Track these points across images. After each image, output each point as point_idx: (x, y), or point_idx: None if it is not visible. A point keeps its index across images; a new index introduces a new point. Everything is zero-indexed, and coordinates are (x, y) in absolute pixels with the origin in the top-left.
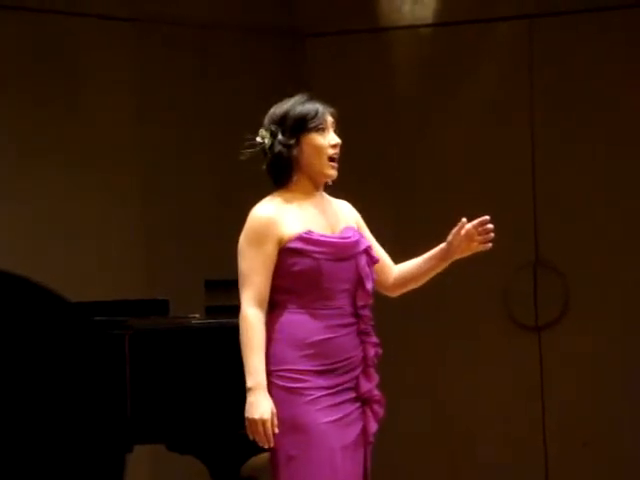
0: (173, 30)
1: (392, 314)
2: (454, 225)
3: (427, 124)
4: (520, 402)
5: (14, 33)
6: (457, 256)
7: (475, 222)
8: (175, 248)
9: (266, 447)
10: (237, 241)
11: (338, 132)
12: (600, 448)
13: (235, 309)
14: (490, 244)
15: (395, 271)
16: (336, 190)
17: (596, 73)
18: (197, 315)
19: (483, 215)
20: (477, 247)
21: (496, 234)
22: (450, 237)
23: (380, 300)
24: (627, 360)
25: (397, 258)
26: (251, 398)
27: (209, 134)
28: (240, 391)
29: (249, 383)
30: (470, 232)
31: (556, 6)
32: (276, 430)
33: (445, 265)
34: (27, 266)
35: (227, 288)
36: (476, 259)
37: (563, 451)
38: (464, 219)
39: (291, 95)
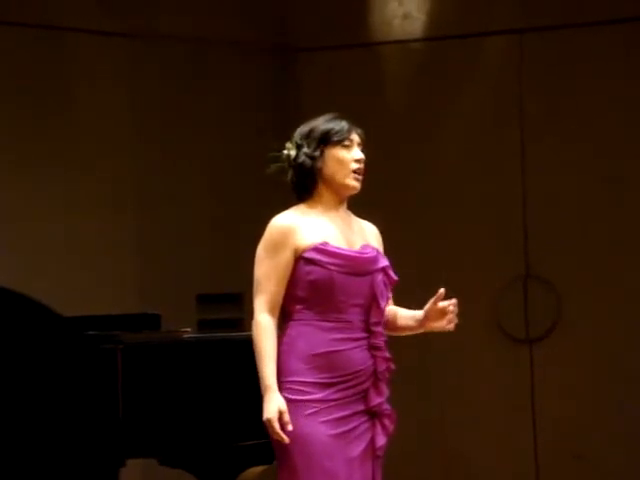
0: (166, 45)
1: None
2: (443, 241)
3: (418, 138)
4: (511, 415)
5: (10, 48)
6: (431, 326)
7: (446, 303)
8: (167, 262)
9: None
10: (230, 256)
11: (365, 152)
12: (591, 461)
13: (226, 323)
14: (452, 325)
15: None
16: None
17: (585, 87)
18: (189, 329)
19: (473, 229)
20: (444, 326)
21: (487, 247)
22: (427, 305)
23: None
24: (618, 372)
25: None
26: (264, 402)
27: (202, 148)
28: (232, 404)
29: (261, 388)
30: (445, 309)
31: (546, 21)
32: (289, 428)
33: (421, 330)
34: (18, 280)
35: (219, 302)
36: (467, 272)
37: (554, 463)
38: (442, 290)
39: (279, 110)
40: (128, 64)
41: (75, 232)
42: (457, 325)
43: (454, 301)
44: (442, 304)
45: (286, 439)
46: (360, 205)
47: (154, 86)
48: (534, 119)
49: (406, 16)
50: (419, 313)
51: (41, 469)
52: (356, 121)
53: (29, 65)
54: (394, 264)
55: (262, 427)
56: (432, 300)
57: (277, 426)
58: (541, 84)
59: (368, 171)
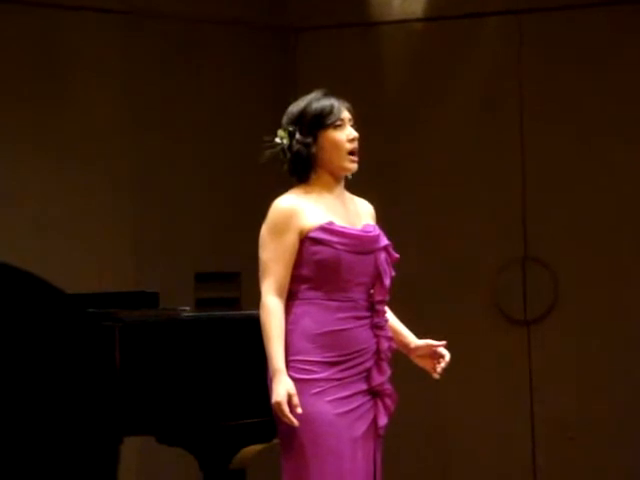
0: (163, 24)
1: None
2: (443, 221)
3: (417, 118)
4: (508, 395)
5: (4, 26)
6: (416, 361)
7: (444, 357)
8: (165, 240)
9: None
10: (229, 234)
11: (356, 126)
12: (587, 442)
13: (224, 301)
14: (436, 375)
15: None
16: None
17: (585, 68)
18: (187, 308)
19: (472, 210)
20: (429, 368)
21: (485, 229)
22: (422, 343)
23: None
24: (614, 354)
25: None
26: (272, 384)
27: (199, 127)
28: (230, 382)
29: (269, 370)
30: (437, 354)
31: (545, 2)
32: (298, 410)
33: (403, 351)
34: (12, 257)
35: (217, 280)
36: (465, 254)
37: (550, 444)
38: (444, 342)
39: (278, 89)
40: (125, 42)
41: (74, 213)
42: (456, 308)
43: (448, 358)
44: (438, 349)
45: (295, 422)
46: (357, 184)
47: (151, 65)
48: (533, 100)
49: None
50: (410, 340)
51: (39, 447)
52: (356, 101)
53: (21, 43)
54: (392, 245)
55: (260, 405)
56: (430, 342)
57: (287, 409)
58: (540, 64)
59: (367, 151)
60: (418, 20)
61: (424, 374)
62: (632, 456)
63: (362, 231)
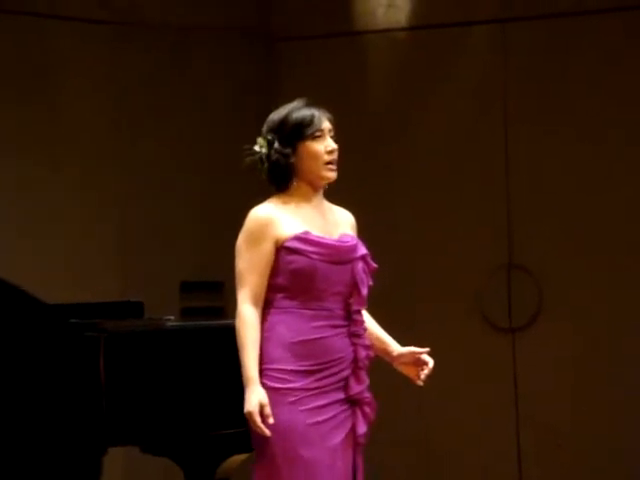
0: (150, 34)
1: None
2: (428, 228)
3: (402, 128)
4: (494, 402)
5: None
6: (400, 368)
7: (427, 364)
8: (151, 249)
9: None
10: (213, 244)
11: (335, 137)
12: (574, 449)
13: (209, 311)
14: (420, 382)
15: None
16: None
17: (569, 76)
18: (172, 317)
19: (457, 217)
20: (412, 376)
21: (470, 236)
22: (405, 350)
23: None
24: (600, 361)
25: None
26: (245, 394)
27: (185, 136)
28: (215, 392)
29: (243, 380)
30: (421, 361)
31: (530, 11)
32: (270, 420)
33: (386, 359)
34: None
35: (202, 290)
36: (450, 261)
37: (537, 452)
38: (428, 349)
39: (262, 98)
40: (111, 51)
41: (59, 219)
42: (440, 315)
43: (432, 365)
44: (422, 356)
45: (267, 432)
46: (342, 191)
47: (137, 74)
48: (518, 108)
49: (390, 5)
50: (393, 348)
51: (22, 457)
52: (340, 110)
53: (11, 53)
54: (377, 253)
55: (244, 415)
56: (413, 349)
57: (258, 419)
58: (525, 73)
59: (352, 160)
60: (403, 29)
61: (408, 382)
62: (620, 463)
63: (338, 241)
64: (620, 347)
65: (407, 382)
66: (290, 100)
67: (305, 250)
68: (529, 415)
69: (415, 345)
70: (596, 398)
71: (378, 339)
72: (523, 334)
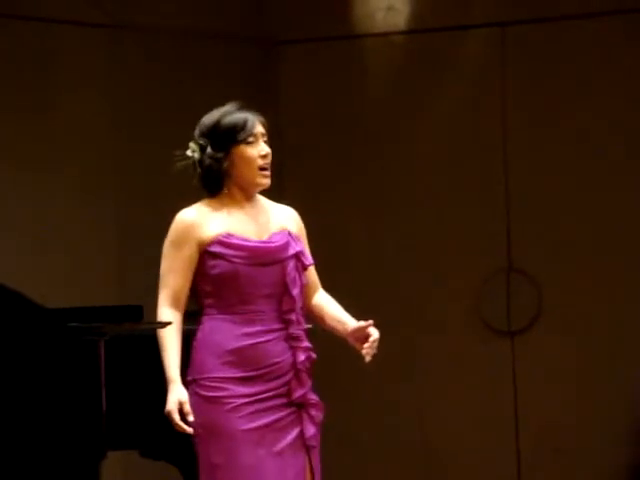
0: (146, 38)
1: (362, 318)
2: (427, 232)
3: (399, 131)
4: (492, 406)
5: None
6: (352, 344)
7: (371, 338)
8: (149, 253)
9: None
10: None
11: (269, 142)
12: (572, 454)
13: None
14: (368, 358)
15: (317, 296)
16: (306, 195)
17: (569, 80)
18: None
19: (456, 221)
20: (362, 352)
21: (469, 240)
22: (355, 326)
23: (351, 304)
24: (599, 365)
25: (366, 260)
26: (167, 394)
27: (182, 138)
28: None
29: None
30: (367, 335)
31: (527, 14)
32: (190, 418)
33: (343, 336)
34: None
35: None
36: (449, 265)
37: (536, 456)
38: (371, 321)
39: (262, 101)
40: (108, 56)
41: (57, 221)
42: (439, 319)
43: (376, 336)
44: (369, 329)
45: (189, 430)
46: (340, 192)
47: (135, 77)
48: (516, 112)
49: (389, 8)
50: (348, 323)
51: (21, 461)
52: (339, 113)
53: (9, 56)
54: (378, 256)
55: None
56: (360, 325)
57: (177, 417)
58: (523, 76)
59: (349, 162)
60: (402, 33)
61: (408, 385)
62: (618, 465)
63: (264, 242)
64: (619, 350)
65: (407, 385)
66: (289, 104)
67: (226, 254)
68: (528, 418)
69: (414, 348)
70: (595, 401)
71: (340, 321)
72: (522, 337)
